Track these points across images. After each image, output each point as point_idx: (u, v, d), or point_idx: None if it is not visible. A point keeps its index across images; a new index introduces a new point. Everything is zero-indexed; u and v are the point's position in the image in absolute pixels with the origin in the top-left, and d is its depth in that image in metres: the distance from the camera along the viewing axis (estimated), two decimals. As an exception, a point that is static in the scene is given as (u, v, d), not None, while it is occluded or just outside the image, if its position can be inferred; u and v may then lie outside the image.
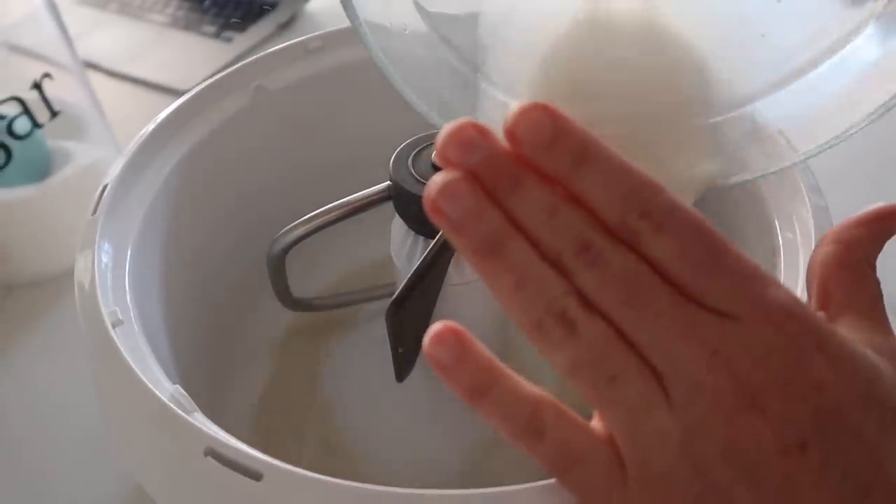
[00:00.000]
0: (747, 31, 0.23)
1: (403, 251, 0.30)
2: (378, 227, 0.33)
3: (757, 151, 0.24)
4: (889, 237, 0.22)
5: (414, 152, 0.29)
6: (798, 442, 0.17)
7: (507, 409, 0.18)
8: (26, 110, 0.44)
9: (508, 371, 0.18)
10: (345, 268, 0.43)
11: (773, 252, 0.29)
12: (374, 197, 0.30)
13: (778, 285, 0.18)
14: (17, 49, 0.46)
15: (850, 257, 0.21)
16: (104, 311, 0.25)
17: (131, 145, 0.31)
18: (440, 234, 0.28)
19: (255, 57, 0.36)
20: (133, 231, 0.29)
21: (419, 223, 0.30)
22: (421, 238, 0.30)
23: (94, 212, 0.28)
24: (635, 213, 0.17)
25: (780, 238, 0.28)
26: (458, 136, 0.17)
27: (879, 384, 0.18)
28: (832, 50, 0.23)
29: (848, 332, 0.20)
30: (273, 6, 0.67)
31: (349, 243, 0.40)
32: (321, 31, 0.37)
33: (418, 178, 0.29)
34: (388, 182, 0.30)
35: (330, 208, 0.30)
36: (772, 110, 0.25)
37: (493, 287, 0.18)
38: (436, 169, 0.29)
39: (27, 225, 0.46)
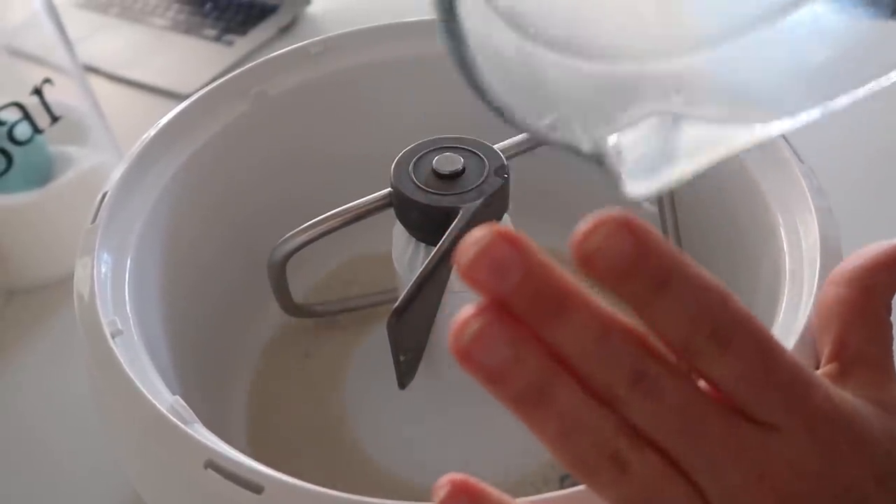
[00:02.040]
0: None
1: (405, 258, 0.30)
2: (379, 228, 0.33)
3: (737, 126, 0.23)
4: None
5: (415, 159, 0.29)
6: None
7: None
8: (27, 116, 0.44)
9: None
10: (346, 270, 0.42)
11: (777, 257, 0.28)
12: (376, 204, 0.30)
13: (817, 386, 0.18)
14: (17, 53, 0.46)
15: (870, 305, 0.21)
16: (103, 321, 0.24)
17: (131, 152, 0.31)
18: (442, 241, 0.27)
19: (255, 62, 0.36)
20: (133, 239, 0.28)
21: (420, 230, 0.29)
22: (422, 245, 0.30)
23: (94, 220, 0.28)
24: (704, 335, 0.16)
25: (784, 243, 0.28)
26: (487, 255, 0.15)
27: (889, 458, 0.18)
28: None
29: (859, 388, 0.20)
30: (274, 9, 0.67)
31: (350, 244, 0.40)
32: (322, 36, 0.37)
33: (419, 184, 0.28)
34: (389, 189, 0.29)
35: (331, 215, 0.30)
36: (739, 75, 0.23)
37: (536, 432, 0.16)
38: (437, 176, 0.29)
39: (29, 230, 0.46)
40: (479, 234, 0.15)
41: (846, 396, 0.19)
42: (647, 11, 0.20)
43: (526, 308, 0.15)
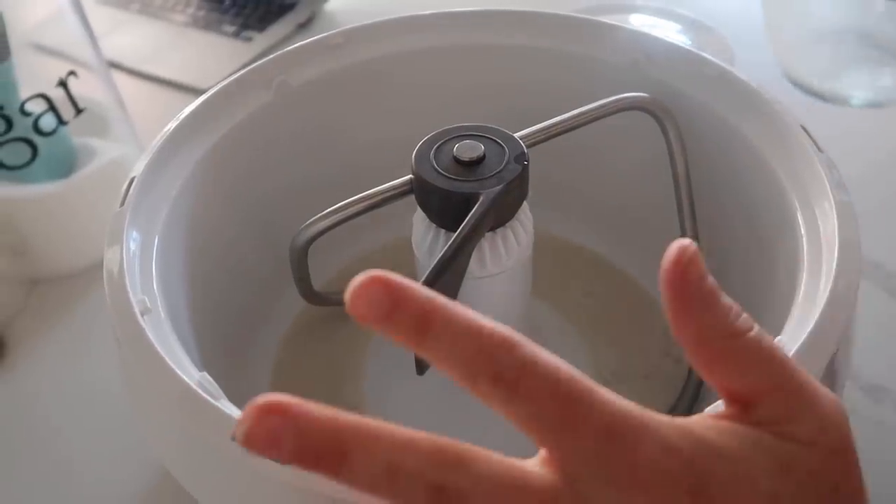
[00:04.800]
0: None
1: (425, 244, 0.31)
2: (399, 217, 0.33)
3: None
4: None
5: (436, 146, 0.30)
6: None
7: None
8: (52, 107, 0.44)
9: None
10: (367, 259, 0.43)
11: (795, 247, 0.28)
12: (397, 190, 0.30)
13: (643, 435, 0.17)
14: (42, 48, 0.47)
15: (705, 338, 0.19)
16: (133, 299, 0.25)
17: (158, 139, 0.32)
18: (462, 227, 0.28)
19: (277, 53, 0.36)
20: (159, 223, 0.29)
21: (441, 216, 0.30)
22: (442, 231, 0.30)
23: (122, 204, 0.29)
24: (486, 378, 0.17)
25: (803, 232, 0.28)
26: (259, 428, 0.16)
27: (778, 500, 0.17)
28: None
29: (766, 424, 0.18)
30: (292, 6, 0.67)
31: (371, 233, 0.41)
32: (342, 28, 0.37)
33: (440, 171, 0.29)
34: (411, 175, 0.30)
35: (352, 201, 0.30)
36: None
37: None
38: (458, 163, 0.29)
39: (52, 220, 0.46)
40: (248, 408, 0.16)
41: (711, 441, 0.18)
42: None
43: (312, 464, 0.16)
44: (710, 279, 0.19)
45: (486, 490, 0.17)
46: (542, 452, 0.18)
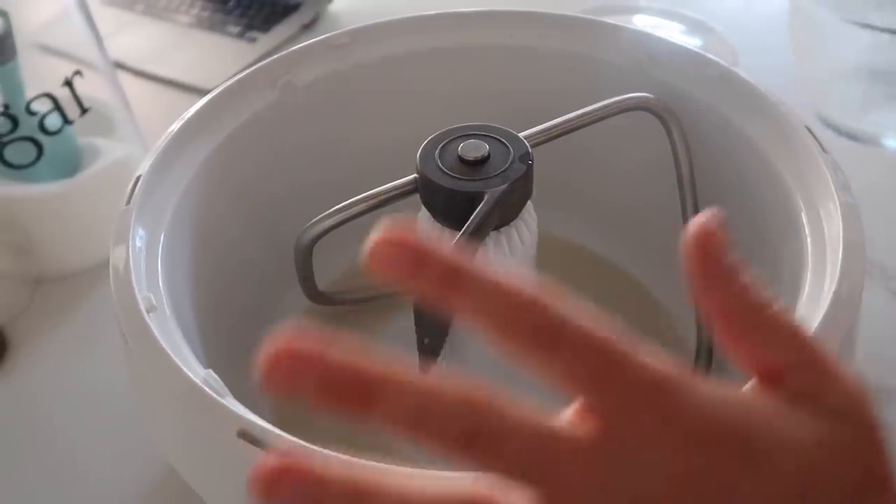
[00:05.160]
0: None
1: (429, 243, 0.31)
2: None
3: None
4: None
5: (441, 145, 0.30)
6: None
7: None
8: (57, 107, 0.45)
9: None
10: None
11: (800, 247, 0.28)
12: (401, 189, 0.30)
13: (696, 392, 0.16)
14: (48, 49, 0.47)
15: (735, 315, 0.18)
16: (139, 296, 0.25)
17: (163, 138, 0.32)
18: (466, 226, 0.28)
19: (282, 53, 0.36)
20: (165, 221, 0.29)
21: (445, 215, 0.30)
22: (447, 230, 0.30)
23: (128, 202, 0.29)
24: (526, 329, 0.16)
25: (807, 232, 0.28)
26: (279, 364, 0.15)
27: (815, 471, 0.17)
28: None
29: (795, 396, 0.18)
30: (296, 7, 0.68)
31: (371, 231, 0.41)
32: (347, 28, 0.38)
33: (445, 170, 0.29)
34: (415, 174, 0.30)
35: (357, 200, 0.30)
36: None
37: None
38: (463, 162, 0.29)
39: (57, 220, 0.46)
40: (269, 348, 0.15)
41: (752, 406, 0.17)
42: None
43: (335, 405, 0.15)
44: (735, 253, 0.19)
45: (522, 436, 0.16)
46: (578, 406, 0.17)
